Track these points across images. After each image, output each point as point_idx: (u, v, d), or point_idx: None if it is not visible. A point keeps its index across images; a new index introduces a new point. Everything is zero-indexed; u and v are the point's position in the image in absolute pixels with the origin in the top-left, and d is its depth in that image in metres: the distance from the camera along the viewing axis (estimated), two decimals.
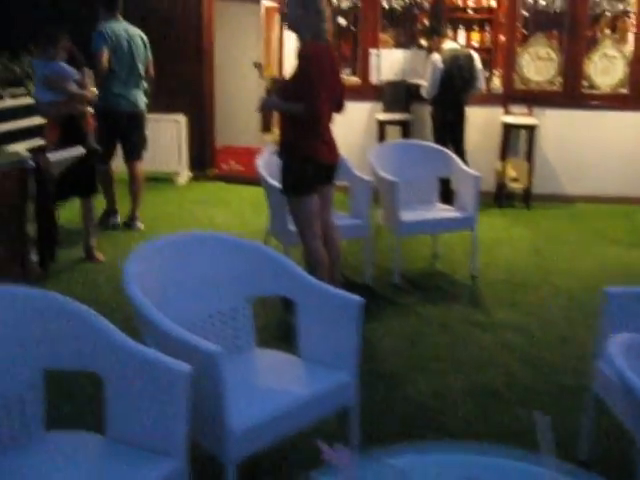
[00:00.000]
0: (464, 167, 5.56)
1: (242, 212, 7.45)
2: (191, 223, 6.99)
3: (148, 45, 6.64)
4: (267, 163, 5.24)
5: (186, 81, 8.66)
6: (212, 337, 2.99)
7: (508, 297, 5.16)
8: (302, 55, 4.23)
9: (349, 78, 8.51)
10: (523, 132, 7.74)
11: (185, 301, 2.97)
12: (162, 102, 8.72)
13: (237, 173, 8.87)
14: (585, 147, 7.81)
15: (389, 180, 5.19)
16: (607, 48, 7.65)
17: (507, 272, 5.67)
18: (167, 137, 8.68)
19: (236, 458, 2.52)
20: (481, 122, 7.78)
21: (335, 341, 2.93)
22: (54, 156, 5.18)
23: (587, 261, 5.96)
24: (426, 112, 7.73)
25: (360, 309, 2.88)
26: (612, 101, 7.70)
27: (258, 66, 8.92)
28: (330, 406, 2.85)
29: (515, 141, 7.78)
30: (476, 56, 7.29)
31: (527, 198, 7.65)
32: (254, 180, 8.66)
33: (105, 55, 6.17)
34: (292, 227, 4.84)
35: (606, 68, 7.63)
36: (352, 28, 9.12)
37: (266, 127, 4.64)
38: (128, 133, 6.61)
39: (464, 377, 3.98)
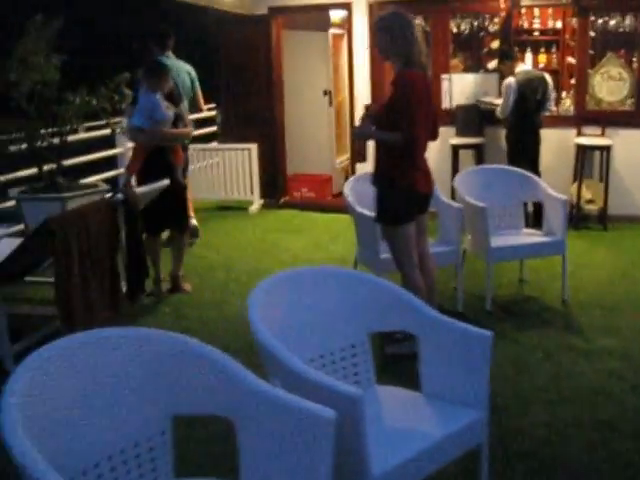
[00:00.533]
0: (551, 191, 5.32)
1: (319, 239, 7.29)
2: (272, 252, 6.86)
3: (196, 80, 6.87)
4: (354, 191, 5.08)
5: (257, 110, 8.57)
6: (333, 374, 2.82)
7: (604, 322, 4.89)
8: (398, 82, 4.07)
9: None
10: (597, 153, 7.47)
11: (305, 338, 2.80)
12: (234, 132, 8.71)
13: (308, 200, 8.75)
14: None
15: (478, 206, 4.99)
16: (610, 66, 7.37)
17: (597, 296, 5.40)
18: (239, 166, 8.61)
19: None
20: (553, 144, 7.52)
21: (463, 377, 2.74)
22: (141, 189, 5.09)
23: None
24: (500, 135, 7.52)
25: (490, 343, 2.69)
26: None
27: (327, 94, 8.82)
28: (463, 445, 2.65)
29: (589, 162, 7.50)
30: (549, 78, 7.08)
31: (603, 219, 7.36)
32: (326, 207, 8.61)
33: None
34: (384, 255, 4.68)
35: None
36: None
37: (360, 156, 4.48)
38: None
39: (576, 408, 3.74)
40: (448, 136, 7.66)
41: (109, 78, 5.29)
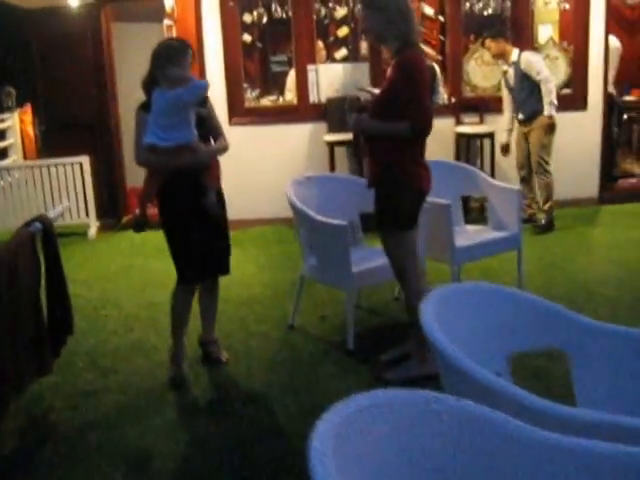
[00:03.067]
0: (498, 183, 5.37)
1: None
2: (153, 279, 6.28)
3: None
4: (299, 195, 4.77)
5: (87, 117, 7.85)
6: None
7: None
8: (402, 66, 3.85)
9: (266, 99, 8.21)
10: (477, 141, 7.72)
11: None
12: (58, 144, 7.92)
13: (154, 216, 8.13)
14: None
15: (441, 203, 4.88)
16: (550, 49, 7.80)
17: (546, 288, 5.53)
18: (69, 184, 7.82)
19: None
20: (432, 135, 7.60)
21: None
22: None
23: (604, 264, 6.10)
24: None
25: None
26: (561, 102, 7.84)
27: None
28: None
29: (472, 151, 7.72)
30: (437, 68, 7.19)
31: None
32: None
33: None
34: (357, 268, 4.47)
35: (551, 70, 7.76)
36: (258, 44, 8.75)
37: (357, 152, 4.17)
38: None
39: None
40: (321, 133, 7.53)
41: None
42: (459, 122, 7.67)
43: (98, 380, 4.44)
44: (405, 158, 3.94)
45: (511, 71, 6.99)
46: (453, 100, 7.77)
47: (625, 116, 8.85)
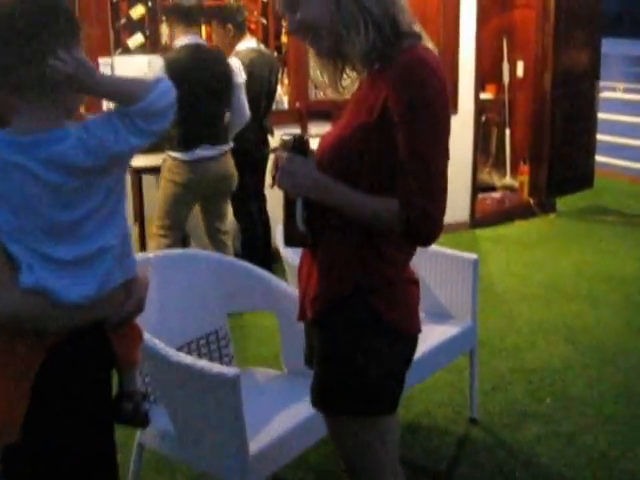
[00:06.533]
0: (438, 249, 3.31)
1: None
2: None
3: None
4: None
5: None
6: None
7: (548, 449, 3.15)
8: (407, 79, 1.71)
9: None
10: None
11: None
12: None
13: None
14: None
15: None
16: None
17: (505, 406, 3.64)
18: None
19: None
20: None
21: None
22: None
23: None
24: None
25: None
26: None
27: None
28: None
29: None
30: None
31: None
32: None
33: None
34: (257, 445, 2.33)
35: None
36: None
37: (296, 239, 1.77)
38: None
39: None
40: None
41: None
42: (306, 132, 5.59)
43: None
44: (384, 268, 1.79)
45: None
46: (297, 105, 5.69)
47: (483, 117, 7.19)
